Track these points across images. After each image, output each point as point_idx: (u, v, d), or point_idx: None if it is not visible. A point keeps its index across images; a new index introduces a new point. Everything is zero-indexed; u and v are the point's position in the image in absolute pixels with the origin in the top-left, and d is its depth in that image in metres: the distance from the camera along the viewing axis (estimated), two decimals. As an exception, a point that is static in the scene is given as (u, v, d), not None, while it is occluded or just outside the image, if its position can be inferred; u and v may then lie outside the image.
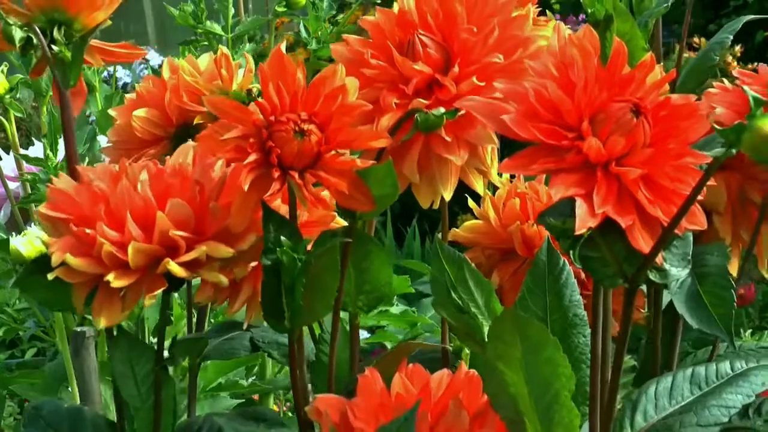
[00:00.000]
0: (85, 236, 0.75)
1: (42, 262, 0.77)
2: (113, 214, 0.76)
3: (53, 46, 0.84)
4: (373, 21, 0.85)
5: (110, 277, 0.74)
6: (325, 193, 0.78)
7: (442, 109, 0.79)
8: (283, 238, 0.76)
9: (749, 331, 2.29)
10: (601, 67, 0.67)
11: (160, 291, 0.75)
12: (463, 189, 0.90)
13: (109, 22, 0.87)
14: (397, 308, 1.57)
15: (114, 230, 0.75)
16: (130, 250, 0.74)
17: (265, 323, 0.92)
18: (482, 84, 0.81)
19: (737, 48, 3.04)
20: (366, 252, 0.87)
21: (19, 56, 1.59)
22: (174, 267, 0.74)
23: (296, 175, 0.75)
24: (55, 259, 0.74)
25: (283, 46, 0.77)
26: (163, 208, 0.76)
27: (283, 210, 0.79)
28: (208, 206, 0.77)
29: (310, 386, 0.87)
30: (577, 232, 0.65)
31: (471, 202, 0.99)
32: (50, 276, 0.74)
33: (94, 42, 0.88)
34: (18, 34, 0.84)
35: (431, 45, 0.82)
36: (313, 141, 0.75)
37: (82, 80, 0.87)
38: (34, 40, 0.84)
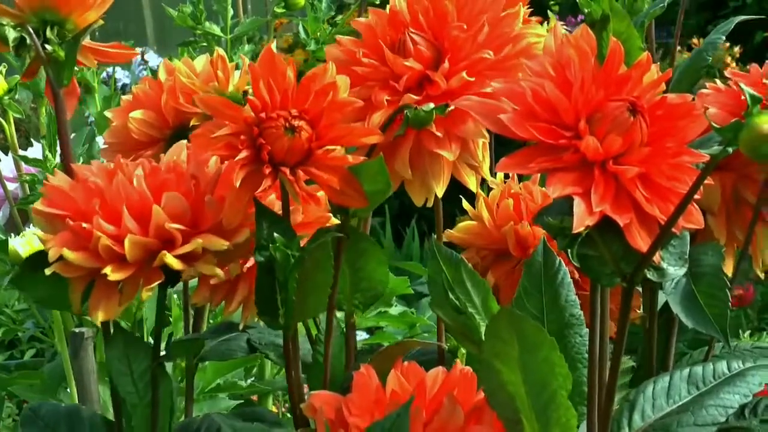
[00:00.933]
0: (82, 230, 0.75)
1: (38, 258, 0.77)
2: (109, 208, 0.76)
3: (47, 46, 0.84)
4: (365, 22, 0.86)
5: (107, 270, 0.74)
6: (321, 193, 0.78)
7: (432, 105, 0.79)
8: (276, 234, 0.76)
9: (748, 332, 2.29)
10: (597, 67, 0.67)
11: (156, 285, 0.75)
12: (460, 191, 0.90)
13: (101, 22, 0.87)
14: (395, 309, 1.57)
15: (110, 224, 0.75)
16: (126, 243, 0.74)
17: (261, 323, 0.92)
18: (472, 79, 0.81)
19: (736, 49, 3.05)
20: (361, 250, 0.88)
21: (18, 57, 1.59)
22: (170, 259, 0.75)
23: (287, 171, 0.75)
24: (52, 254, 0.74)
25: (273, 45, 0.77)
26: (159, 202, 0.76)
27: (278, 207, 0.80)
28: (203, 200, 0.77)
29: (306, 386, 0.87)
30: (575, 231, 0.65)
31: (465, 204, 0.99)
32: (47, 271, 0.75)
33: (86, 42, 0.88)
34: (11, 34, 0.84)
35: (422, 43, 0.83)
36: (303, 137, 0.75)
37: (74, 80, 0.87)
38: (28, 40, 0.84)
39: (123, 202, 0.76)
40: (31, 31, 0.85)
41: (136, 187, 0.77)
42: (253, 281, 0.85)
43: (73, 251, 0.74)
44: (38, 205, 0.77)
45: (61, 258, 0.74)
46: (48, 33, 0.84)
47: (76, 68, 0.86)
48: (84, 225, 0.75)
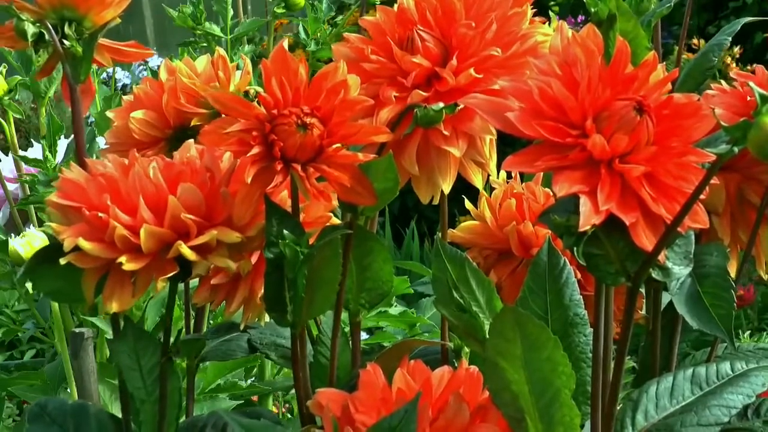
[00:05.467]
0: (98, 221, 0.75)
1: (52, 250, 0.78)
2: (125, 200, 0.76)
3: (65, 41, 0.85)
4: (373, 20, 0.86)
5: (123, 259, 0.74)
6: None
7: (441, 104, 0.80)
8: (285, 231, 0.76)
9: (748, 332, 2.29)
10: (604, 66, 0.67)
11: (166, 284, 0.75)
12: (461, 191, 0.90)
13: (118, 20, 0.87)
14: (395, 309, 1.57)
15: (126, 215, 0.75)
16: (142, 233, 0.75)
17: (262, 324, 0.92)
18: (480, 76, 0.82)
19: (736, 49, 3.05)
20: (368, 249, 0.88)
21: (18, 58, 1.59)
22: (185, 250, 0.75)
23: (299, 168, 0.75)
24: (67, 244, 0.74)
25: (285, 44, 0.77)
26: (175, 194, 0.76)
27: (289, 204, 0.80)
28: (218, 193, 0.78)
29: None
30: (581, 229, 0.65)
31: (468, 203, 0.99)
32: (62, 261, 0.75)
33: (102, 41, 0.88)
34: (30, 29, 0.85)
35: (430, 40, 0.83)
36: (315, 134, 0.75)
37: (90, 79, 0.88)
38: (46, 36, 0.85)
39: (139, 193, 0.76)
40: (50, 26, 0.85)
41: (153, 178, 0.77)
42: (254, 282, 0.86)
43: (88, 241, 0.74)
44: (53, 197, 0.77)
45: (75, 249, 0.75)
46: (66, 29, 0.85)
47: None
48: (100, 215, 0.75)
